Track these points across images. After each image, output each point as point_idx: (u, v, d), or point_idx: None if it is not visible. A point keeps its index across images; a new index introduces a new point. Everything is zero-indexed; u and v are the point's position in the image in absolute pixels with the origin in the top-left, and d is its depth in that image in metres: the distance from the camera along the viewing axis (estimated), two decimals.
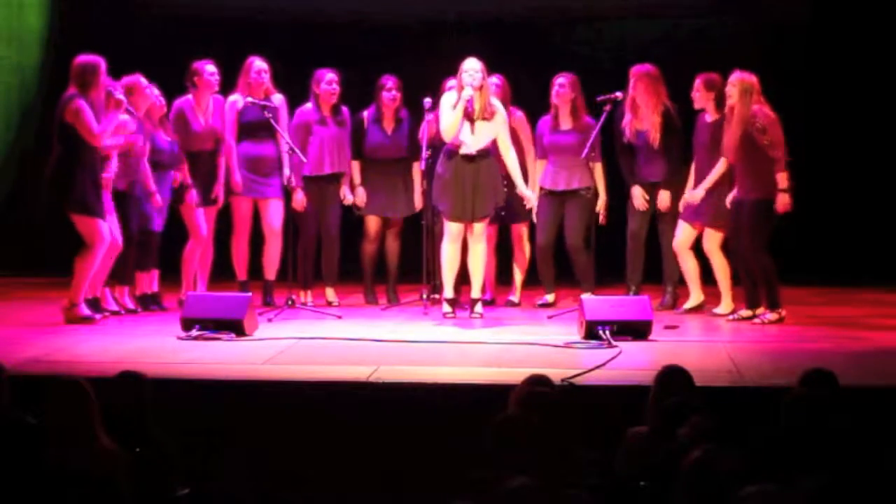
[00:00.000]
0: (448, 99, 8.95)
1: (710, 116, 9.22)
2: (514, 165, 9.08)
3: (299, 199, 9.65)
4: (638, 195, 9.50)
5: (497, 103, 9.05)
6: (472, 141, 8.95)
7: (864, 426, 5.10)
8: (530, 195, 9.16)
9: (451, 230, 9.06)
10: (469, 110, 8.87)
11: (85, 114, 8.46)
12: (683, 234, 9.31)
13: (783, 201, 8.71)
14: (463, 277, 9.27)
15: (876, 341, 8.25)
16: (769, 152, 8.69)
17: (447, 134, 8.96)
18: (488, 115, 8.94)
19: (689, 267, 9.34)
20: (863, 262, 10.84)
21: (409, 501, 5.91)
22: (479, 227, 9.08)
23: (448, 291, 9.09)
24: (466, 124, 8.92)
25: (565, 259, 9.71)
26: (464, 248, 9.18)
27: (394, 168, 9.85)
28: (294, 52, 10.51)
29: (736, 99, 8.77)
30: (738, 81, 8.78)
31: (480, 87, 8.90)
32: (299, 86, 9.85)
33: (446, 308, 9.08)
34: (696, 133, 9.29)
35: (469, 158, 8.98)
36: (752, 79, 8.79)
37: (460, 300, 9.26)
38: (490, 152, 9.04)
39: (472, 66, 8.89)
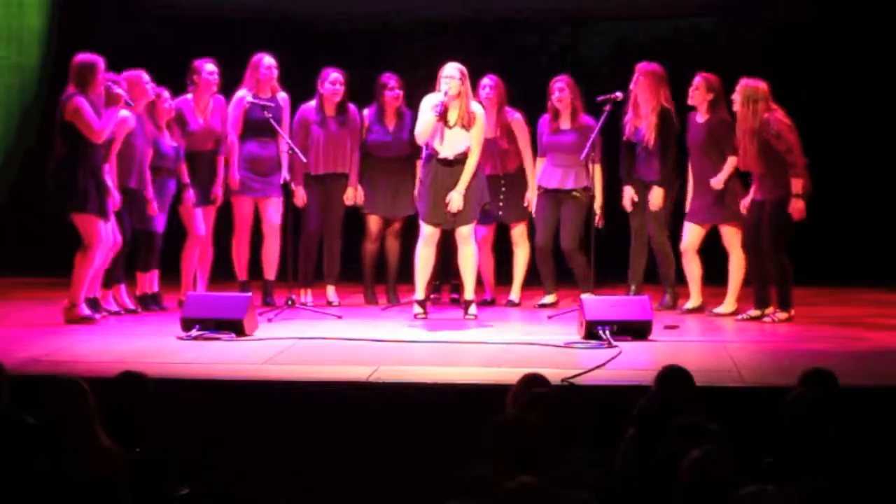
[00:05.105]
0: (428, 101, 8.92)
1: (700, 117, 9.24)
2: (468, 171, 8.90)
3: (300, 195, 9.65)
4: (627, 196, 9.52)
5: (478, 109, 8.97)
6: (447, 147, 8.92)
7: (863, 426, 5.11)
8: (459, 203, 8.84)
9: (426, 233, 9.02)
10: (441, 117, 8.81)
11: (85, 111, 8.46)
12: (691, 235, 9.30)
13: (797, 207, 8.70)
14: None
15: (876, 341, 8.25)
16: (787, 157, 8.69)
17: (419, 137, 8.96)
18: (466, 122, 8.88)
19: (693, 269, 9.32)
20: (863, 262, 10.84)
21: (409, 501, 5.91)
22: (467, 229, 9.02)
23: (419, 293, 9.07)
24: (445, 131, 8.88)
25: (565, 259, 9.71)
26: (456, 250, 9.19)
27: (396, 166, 9.82)
28: (295, 52, 10.50)
29: (738, 106, 8.78)
30: (742, 89, 8.79)
31: (458, 95, 8.86)
32: (300, 87, 9.85)
33: (417, 309, 9.07)
34: (689, 133, 9.31)
35: (447, 163, 8.94)
36: (759, 85, 8.77)
37: (461, 298, 9.27)
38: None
39: (448, 73, 8.83)
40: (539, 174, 9.66)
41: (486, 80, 9.63)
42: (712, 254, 9.33)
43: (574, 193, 9.53)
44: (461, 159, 8.94)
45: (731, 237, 9.19)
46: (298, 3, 11.50)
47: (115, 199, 8.82)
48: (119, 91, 8.64)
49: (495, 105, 9.62)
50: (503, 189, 9.68)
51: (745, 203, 9.01)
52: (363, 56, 10.70)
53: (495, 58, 9.94)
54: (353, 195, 9.83)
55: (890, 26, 11.02)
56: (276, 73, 9.67)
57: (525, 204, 9.73)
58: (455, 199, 8.89)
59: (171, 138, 9.33)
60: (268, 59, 9.65)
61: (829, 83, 10.95)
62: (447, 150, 8.93)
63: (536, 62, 11.08)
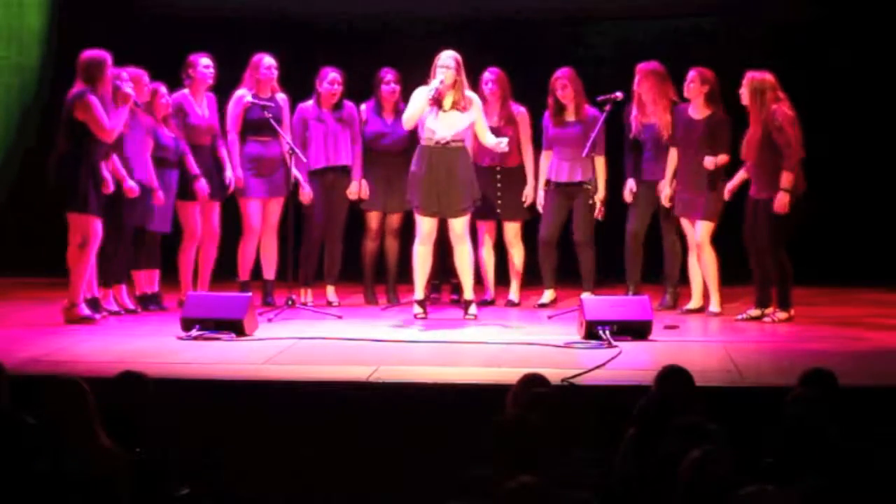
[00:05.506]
0: (420, 92, 8.92)
1: (697, 112, 9.23)
2: (491, 141, 8.97)
3: (306, 193, 9.64)
4: (627, 189, 9.50)
5: (473, 96, 9.02)
6: (443, 128, 8.91)
7: (863, 426, 5.11)
8: (500, 142, 8.91)
9: (423, 230, 9.04)
10: (435, 102, 8.83)
11: (96, 109, 8.44)
12: (692, 230, 9.30)
13: (781, 201, 8.71)
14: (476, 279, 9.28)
15: (876, 341, 8.26)
16: (783, 150, 8.70)
17: (406, 122, 8.99)
18: (462, 107, 8.92)
19: (698, 269, 9.33)
20: (863, 262, 10.84)
21: (409, 501, 5.91)
22: (461, 226, 9.03)
23: (418, 293, 9.08)
24: (440, 114, 8.89)
25: (566, 255, 9.70)
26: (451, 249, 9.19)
27: (392, 160, 9.75)
28: (294, 52, 10.49)
29: (748, 100, 8.79)
30: (748, 82, 8.80)
31: (453, 84, 8.88)
32: (299, 87, 9.85)
33: (417, 309, 9.07)
34: (676, 127, 9.28)
35: (441, 147, 8.94)
36: (765, 77, 8.79)
37: (461, 298, 9.27)
38: (464, 145, 9.01)
39: (443, 63, 8.86)
40: (547, 168, 9.63)
41: (488, 74, 9.63)
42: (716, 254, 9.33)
43: (585, 186, 9.51)
44: (458, 143, 8.95)
45: (703, 233, 9.17)
46: (298, 3, 11.48)
47: (133, 189, 8.83)
48: (128, 91, 8.63)
49: (499, 98, 9.63)
50: (499, 185, 9.65)
51: (730, 187, 9.00)
52: (362, 56, 10.69)
53: (495, 57, 9.92)
54: (358, 188, 9.81)
55: (890, 27, 11.02)
56: (275, 73, 9.67)
57: (523, 199, 9.71)
58: (503, 141, 8.90)
59: (169, 131, 9.33)
60: (268, 60, 9.66)
61: (829, 83, 10.94)
62: (444, 131, 8.93)
63: (536, 62, 11.06)
